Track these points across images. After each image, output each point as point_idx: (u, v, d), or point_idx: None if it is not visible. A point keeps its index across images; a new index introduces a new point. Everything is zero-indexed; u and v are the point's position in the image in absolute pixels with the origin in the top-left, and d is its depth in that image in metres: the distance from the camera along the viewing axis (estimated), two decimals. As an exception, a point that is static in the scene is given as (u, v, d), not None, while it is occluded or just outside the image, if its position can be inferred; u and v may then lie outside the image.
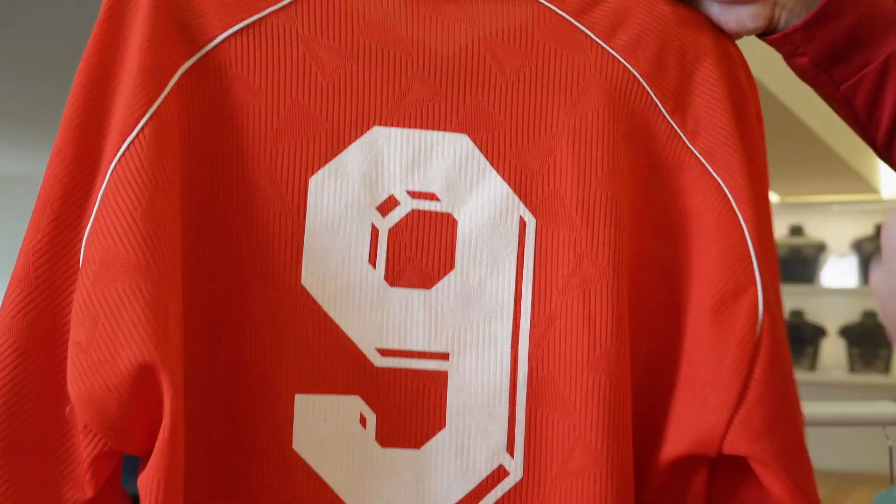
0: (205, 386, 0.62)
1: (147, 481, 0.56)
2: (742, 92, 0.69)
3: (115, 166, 0.59)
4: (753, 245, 0.66)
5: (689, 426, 0.65)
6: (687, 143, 0.68)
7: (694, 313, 0.67)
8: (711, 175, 0.67)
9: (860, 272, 4.94)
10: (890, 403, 0.92)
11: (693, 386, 0.66)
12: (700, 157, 0.68)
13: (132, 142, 0.59)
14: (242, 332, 0.62)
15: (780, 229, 5.05)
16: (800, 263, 4.98)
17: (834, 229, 4.99)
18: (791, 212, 5.11)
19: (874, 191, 4.78)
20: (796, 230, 5.02)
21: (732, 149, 0.67)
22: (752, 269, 0.65)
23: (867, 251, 4.81)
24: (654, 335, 0.68)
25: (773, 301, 0.66)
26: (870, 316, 4.90)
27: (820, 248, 5.00)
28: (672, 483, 0.67)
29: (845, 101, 0.73)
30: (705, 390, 0.64)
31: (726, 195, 0.66)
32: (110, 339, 0.56)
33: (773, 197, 5.20)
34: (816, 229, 5.04)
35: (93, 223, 0.59)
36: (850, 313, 4.98)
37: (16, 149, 4.74)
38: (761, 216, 0.67)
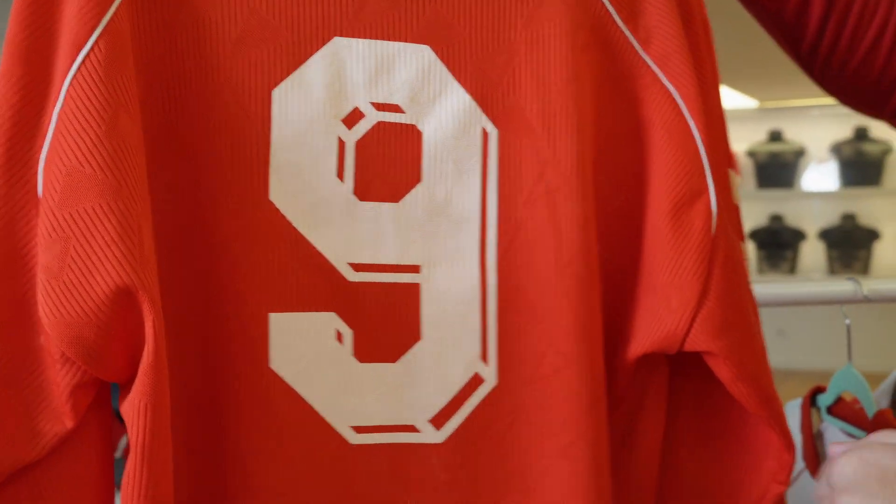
0: (176, 309, 0.60)
1: (133, 406, 0.54)
2: (687, 0, 0.70)
3: (71, 81, 0.55)
4: (706, 152, 0.67)
5: (652, 326, 0.67)
6: (640, 51, 0.69)
7: (652, 219, 0.68)
8: (663, 83, 0.68)
9: (839, 175, 5.00)
10: (848, 282, 0.94)
11: (654, 288, 0.68)
12: (652, 66, 0.68)
13: (87, 55, 0.55)
14: (211, 251, 0.61)
15: (759, 135, 5.10)
16: (779, 168, 5.04)
17: (813, 133, 5.01)
18: (770, 117, 5.14)
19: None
20: (775, 135, 5.07)
21: (683, 57, 0.68)
22: (705, 175, 0.67)
23: (846, 154, 4.87)
24: (615, 241, 0.69)
25: (724, 206, 0.67)
26: (849, 219, 4.98)
27: (799, 153, 5.05)
28: (635, 381, 0.70)
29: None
30: (667, 291, 0.67)
31: (677, 103, 0.68)
32: (83, 261, 0.53)
33: (752, 102, 5.19)
34: (796, 134, 5.08)
35: (51, 143, 0.55)
36: (829, 216, 5.07)
37: None
38: (712, 123, 0.69)
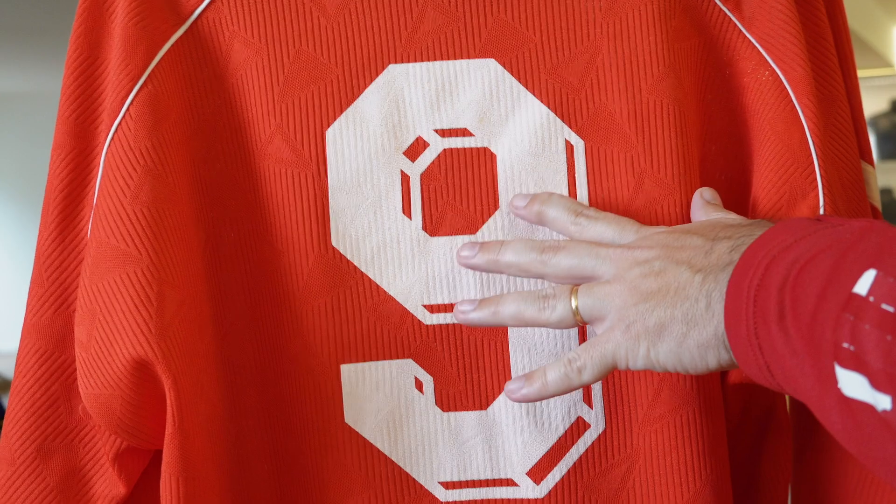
0: (250, 370, 0.59)
1: (163, 480, 0.53)
2: None
3: (107, 151, 0.56)
4: (815, 143, 0.56)
5: None
6: (743, 30, 0.59)
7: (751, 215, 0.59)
8: (770, 65, 0.58)
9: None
10: None
11: None
12: (757, 46, 0.59)
13: (119, 123, 0.56)
14: (278, 306, 0.58)
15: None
16: None
17: None
18: (893, 85, 4.77)
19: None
20: None
21: (793, 34, 0.58)
22: (813, 171, 0.56)
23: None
24: None
25: (843, 206, 0.55)
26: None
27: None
28: (750, 419, 0.62)
29: None
30: None
31: (785, 88, 0.58)
32: (106, 334, 0.53)
33: None
34: None
35: (93, 216, 0.56)
36: None
37: (11, 65, 4.60)
38: (833, 110, 0.58)
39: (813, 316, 0.41)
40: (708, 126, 0.60)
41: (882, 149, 4.71)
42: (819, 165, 0.56)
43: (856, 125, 0.62)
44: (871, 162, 0.61)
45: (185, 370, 0.54)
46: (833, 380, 0.39)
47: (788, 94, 0.57)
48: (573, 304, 0.52)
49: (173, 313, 0.54)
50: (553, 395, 0.54)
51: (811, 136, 0.57)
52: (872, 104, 4.63)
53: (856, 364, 0.38)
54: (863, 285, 0.39)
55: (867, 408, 0.38)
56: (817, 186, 0.56)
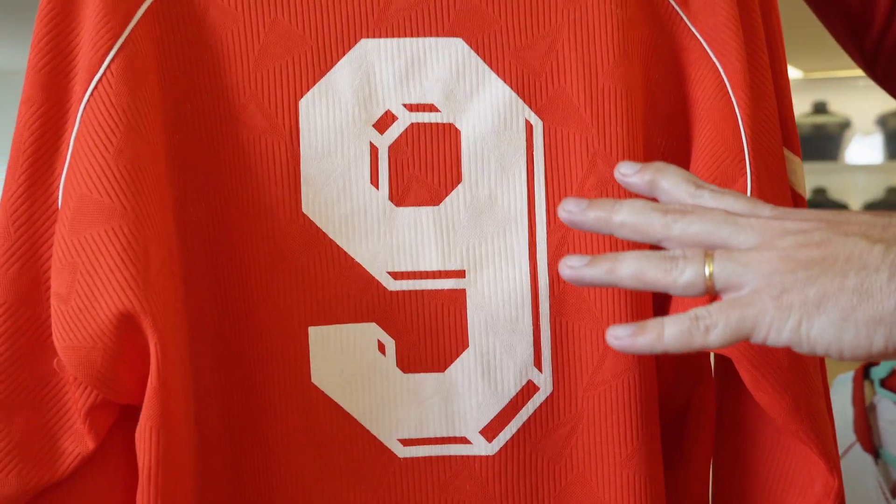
0: (216, 330, 0.60)
1: (140, 431, 0.54)
2: None
3: (85, 107, 0.56)
4: (746, 133, 0.61)
5: None
6: (689, 24, 0.63)
7: None
8: (710, 58, 0.62)
9: (885, 148, 4.86)
10: None
11: None
12: (701, 40, 0.63)
13: (100, 80, 0.56)
14: (247, 269, 0.60)
15: (803, 106, 4.99)
16: (823, 141, 4.99)
17: (858, 105, 4.86)
18: (814, 88, 5.06)
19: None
20: (820, 107, 5.03)
21: (732, 30, 0.62)
22: (743, 158, 0.61)
23: (892, 127, 4.73)
24: None
25: (768, 191, 0.60)
26: (894, 192, 4.94)
27: (844, 125, 4.96)
28: (679, 391, 0.67)
29: None
30: None
31: (723, 80, 0.62)
32: (89, 287, 0.54)
33: (796, 73, 5.05)
34: (840, 105, 4.94)
35: (67, 169, 0.56)
36: (873, 190, 4.95)
37: (16, 42, 4.29)
38: (763, 103, 0.62)
39: None
40: (653, 111, 0.64)
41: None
42: (749, 154, 0.60)
43: (784, 116, 0.66)
44: (797, 152, 0.66)
45: (169, 326, 0.55)
46: None
47: (726, 86, 0.61)
48: (707, 269, 0.46)
49: (157, 270, 0.55)
50: (666, 351, 0.47)
51: (743, 127, 0.61)
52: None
53: None
54: None
55: None
56: (746, 173, 0.60)
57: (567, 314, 0.63)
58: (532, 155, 0.63)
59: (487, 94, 0.62)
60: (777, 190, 0.63)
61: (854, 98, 4.91)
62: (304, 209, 0.61)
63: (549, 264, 0.63)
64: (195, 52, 0.60)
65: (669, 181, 0.51)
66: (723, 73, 0.62)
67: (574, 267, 0.49)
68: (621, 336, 0.47)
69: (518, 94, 0.62)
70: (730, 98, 0.61)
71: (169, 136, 0.59)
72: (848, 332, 0.44)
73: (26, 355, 0.57)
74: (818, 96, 4.94)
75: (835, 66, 4.74)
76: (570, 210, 0.51)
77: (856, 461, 0.84)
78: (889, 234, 0.45)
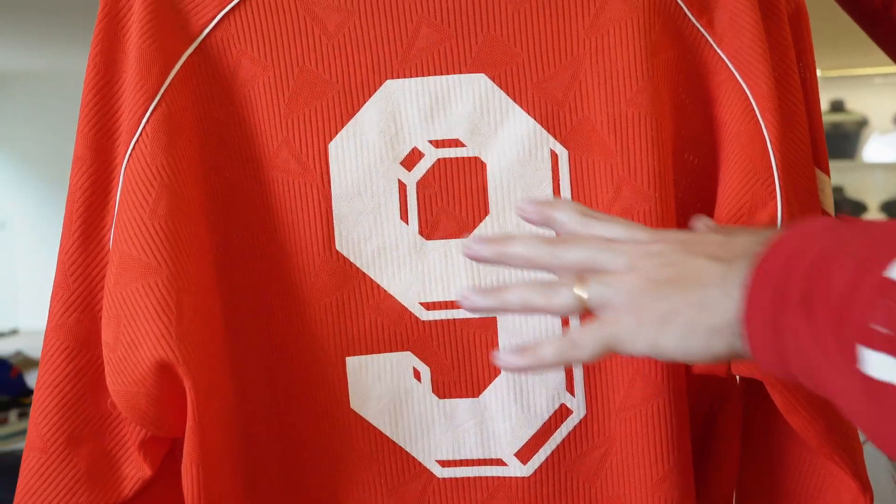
0: (261, 366, 0.65)
1: (184, 467, 0.59)
2: None
3: (126, 167, 0.61)
4: (776, 156, 0.60)
5: None
6: (715, 47, 0.63)
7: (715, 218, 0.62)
8: (737, 80, 0.62)
9: None
10: None
11: None
12: (727, 62, 0.63)
13: (137, 140, 0.60)
14: (287, 305, 0.64)
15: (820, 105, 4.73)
16: (840, 139, 4.82)
17: (876, 103, 4.79)
18: (831, 86, 4.95)
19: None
20: (837, 105, 4.83)
21: (758, 51, 0.61)
22: (773, 181, 0.60)
23: None
24: None
25: (799, 212, 0.60)
26: None
27: (861, 123, 4.74)
28: (703, 404, 0.67)
29: None
30: None
31: (750, 103, 0.61)
32: (130, 338, 0.59)
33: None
34: (858, 104, 4.83)
35: (115, 227, 0.61)
36: (891, 189, 4.86)
37: (17, 43, 4.50)
38: (788, 123, 0.62)
39: (842, 300, 0.41)
40: (681, 133, 0.64)
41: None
42: (778, 176, 0.60)
43: (814, 135, 0.65)
44: (825, 170, 0.66)
45: (201, 369, 0.60)
46: (858, 363, 0.40)
47: (753, 108, 0.61)
48: (582, 292, 0.51)
49: (190, 319, 0.60)
50: (545, 368, 0.53)
51: (772, 149, 0.61)
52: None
53: (888, 346, 0.39)
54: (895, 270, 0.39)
55: (894, 389, 0.39)
56: (776, 196, 0.60)
57: None
58: (558, 184, 0.64)
59: (512, 126, 0.64)
60: (807, 210, 0.63)
61: (871, 96, 4.85)
62: (338, 246, 0.64)
63: None
64: (231, 102, 0.64)
65: (562, 214, 0.56)
66: (750, 96, 0.62)
67: (467, 298, 0.54)
68: (505, 360, 0.53)
69: (542, 124, 0.64)
70: (758, 121, 0.61)
71: (209, 182, 0.63)
72: (692, 341, 0.49)
73: (88, 394, 0.63)
74: (835, 94, 4.85)
75: (852, 63, 4.59)
76: (472, 248, 0.55)
77: (868, 455, 0.82)
78: (732, 252, 0.49)
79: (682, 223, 0.63)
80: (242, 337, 0.64)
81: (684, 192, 0.64)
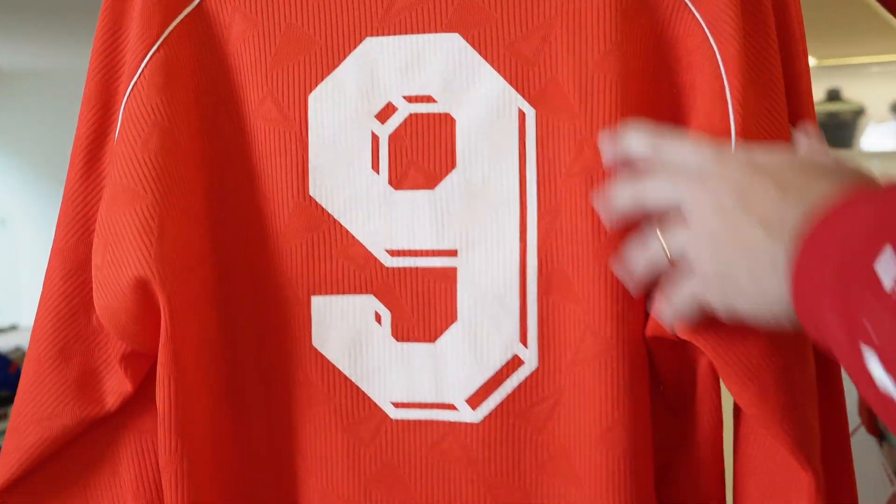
0: (241, 298, 0.69)
1: (158, 380, 0.65)
2: None
3: (125, 105, 0.66)
4: (735, 122, 0.61)
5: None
6: (692, 9, 0.64)
7: None
8: (710, 43, 0.63)
9: None
10: None
11: None
12: (703, 24, 0.63)
13: (136, 82, 0.66)
14: (264, 245, 0.68)
15: (816, 94, 4.58)
16: (837, 128, 4.69)
17: (873, 92, 4.61)
18: (827, 75, 4.74)
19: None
20: (833, 94, 4.71)
21: (731, 12, 0.62)
22: (730, 141, 0.61)
23: None
24: None
25: None
26: None
27: (858, 113, 4.64)
28: (676, 358, 0.66)
29: None
30: None
31: (718, 64, 0.62)
32: (116, 257, 0.64)
33: (809, 60, 4.68)
34: (855, 92, 4.65)
35: (111, 159, 0.67)
36: (889, 177, 4.58)
37: (18, 41, 4.49)
38: (761, 94, 0.62)
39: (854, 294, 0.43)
40: (652, 100, 0.65)
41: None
42: (737, 137, 0.60)
43: (800, 111, 0.65)
44: (809, 137, 0.63)
45: (179, 291, 0.65)
46: (864, 359, 0.42)
47: (720, 71, 0.62)
48: (664, 243, 0.58)
49: (172, 245, 0.65)
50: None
51: (733, 115, 0.61)
52: None
53: (873, 343, 0.41)
54: None
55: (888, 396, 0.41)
56: None
57: (553, 294, 0.66)
58: (524, 142, 0.66)
59: (482, 85, 0.66)
60: None
61: (868, 85, 4.67)
62: (311, 192, 0.67)
63: (538, 246, 0.66)
64: (224, 56, 0.69)
65: (633, 141, 0.60)
66: (719, 57, 0.62)
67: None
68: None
69: (512, 84, 0.66)
70: (723, 83, 0.62)
71: (202, 128, 0.68)
72: (752, 307, 0.53)
73: (80, 312, 0.69)
74: (832, 83, 4.69)
75: (849, 52, 4.43)
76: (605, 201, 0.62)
77: (860, 444, 0.82)
78: (781, 220, 0.51)
79: None
80: (228, 273, 0.69)
81: None
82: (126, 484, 0.70)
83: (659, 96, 0.65)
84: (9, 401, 2.59)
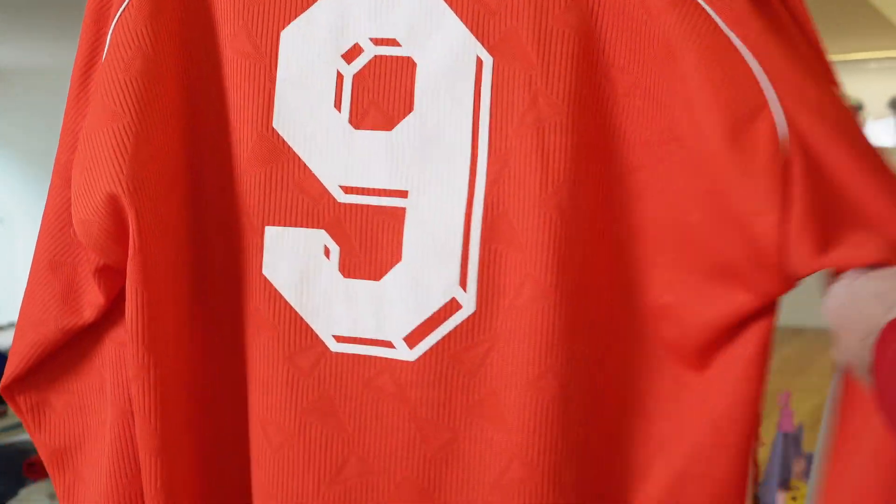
0: (205, 219, 0.72)
1: (128, 292, 0.68)
2: None
3: (112, 32, 0.70)
4: (761, 63, 0.60)
5: (740, 264, 0.62)
6: None
7: (704, 146, 0.62)
8: (701, 6, 0.62)
9: None
10: None
11: (723, 219, 0.62)
12: None
13: (123, 10, 0.70)
14: (230, 170, 0.71)
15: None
16: None
17: (871, 88, 4.59)
18: None
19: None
20: None
21: None
22: (758, 88, 0.60)
23: None
24: (663, 168, 0.65)
25: (797, 112, 0.60)
26: None
27: (856, 109, 4.66)
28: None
29: None
30: (745, 220, 0.61)
31: (712, 19, 0.62)
32: (91, 173, 0.68)
33: None
34: (852, 88, 4.63)
35: (97, 81, 0.70)
36: None
37: (17, 39, 4.61)
38: (775, 30, 0.61)
39: None
40: (637, 58, 0.64)
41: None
42: (770, 81, 0.60)
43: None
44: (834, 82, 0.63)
45: (150, 208, 0.68)
46: None
47: (718, 25, 0.61)
48: None
49: (144, 163, 0.68)
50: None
51: (754, 58, 0.60)
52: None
53: None
54: None
55: None
56: (766, 101, 0.60)
57: (497, 241, 0.67)
58: (479, 90, 0.67)
59: (444, 31, 0.68)
60: (815, 108, 0.61)
61: (866, 81, 4.54)
62: (275, 124, 0.70)
63: (486, 193, 0.67)
64: None
65: None
66: (713, 14, 0.62)
67: None
68: None
69: (473, 32, 0.67)
70: (725, 36, 0.61)
71: (185, 56, 0.71)
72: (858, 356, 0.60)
73: (68, 225, 0.73)
74: None
75: (846, 48, 4.32)
76: None
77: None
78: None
79: (601, 143, 0.66)
80: (200, 196, 0.72)
81: (610, 115, 0.65)
82: (107, 390, 0.74)
83: (645, 54, 0.65)
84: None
